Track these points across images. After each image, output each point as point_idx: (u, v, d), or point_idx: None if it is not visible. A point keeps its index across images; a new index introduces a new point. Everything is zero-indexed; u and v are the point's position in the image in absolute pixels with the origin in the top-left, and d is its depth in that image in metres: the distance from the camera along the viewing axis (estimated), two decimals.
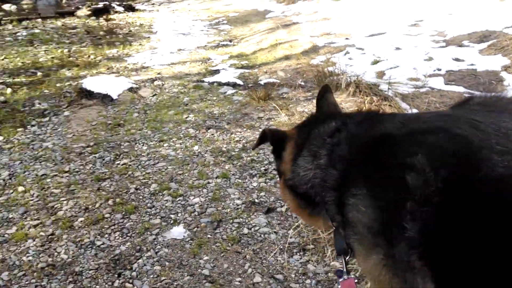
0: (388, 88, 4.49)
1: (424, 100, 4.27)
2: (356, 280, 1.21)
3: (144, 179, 3.25)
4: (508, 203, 0.76)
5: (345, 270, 1.21)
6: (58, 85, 5.68)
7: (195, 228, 2.64)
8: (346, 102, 4.46)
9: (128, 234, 2.59)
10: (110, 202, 2.92)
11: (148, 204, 2.90)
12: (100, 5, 14.21)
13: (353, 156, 1.09)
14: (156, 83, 5.80)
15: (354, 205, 0.98)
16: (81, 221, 2.72)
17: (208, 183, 3.15)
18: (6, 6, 15.80)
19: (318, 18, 9.07)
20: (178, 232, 2.60)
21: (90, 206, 2.88)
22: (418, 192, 0.83)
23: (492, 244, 0.75)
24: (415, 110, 4.10)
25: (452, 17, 7.44)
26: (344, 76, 4.79)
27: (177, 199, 2.95)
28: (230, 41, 8.60)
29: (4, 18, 11.85)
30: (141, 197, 3.00)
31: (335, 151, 1.16)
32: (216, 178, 3.22)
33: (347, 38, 7.05)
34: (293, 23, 9.11)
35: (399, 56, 5.76)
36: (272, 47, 7.37)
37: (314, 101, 4.41)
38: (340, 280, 1.22)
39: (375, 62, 5.71)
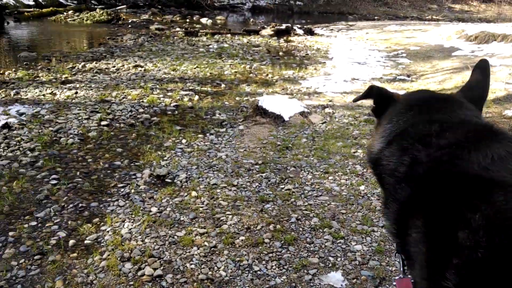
0: None
1: None
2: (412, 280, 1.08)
3: (306, 210, 3.18)
4: None
5: (401, 269, 1.18)
6: (237, 98, 6.08)
7: (355, 280, 2.44)
8: None
9: (285, 267, 2.53)
10: (271, 227, 2.92)
11: (308, 239, 2.80)
12: (283, 26, 15.04)
13: (430, 178, 0.98)
14: (326, 110, 5.77)
15: (412, 229, 0.96)
16: (242, 240, 2.76)
17: (373, 231, 2.92)
18: (204, 20, 17.92)
19: None
20: (336, 278, 2.43)
21: (252, 227, 2.91)
22: (465, 252, 0.81)
23: None
24: None
25: None
26: None
27: (338, 241, 2.79)
28: (408, 76, 8.14)
29: (201, 31, 13.41)
30: (301, 228, 2.93)
31: (420, 158, 1.03)
32: (383, 227, 2.97)
33: None
34: None
35: None
36: (457, 89, 6.69)
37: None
38: (396, 278, 1.18)
39: None
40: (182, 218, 3.00)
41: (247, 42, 12.12)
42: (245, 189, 3.48)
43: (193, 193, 3.35)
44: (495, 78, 7.07)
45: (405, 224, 1.00)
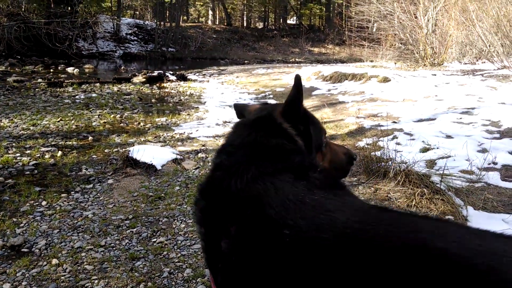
0: (441, 181, 4.25)
1: (480, 196, 3.99)
2: None
3: (178, 261, 3.12)
4: None
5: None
6: (106, 150, 5.83)
7: None
8: (394, 192, 4.25)
9: None
10: (141, 286, 2.79)
11: None
12: (155, 73, 15.06)
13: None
14: (200, 155, 5.84)
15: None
16: None
17: None
18: (70, 69, 17.10)
19: (364, 99, 9.09)
20: None
21: None
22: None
23: None
24: (470, 208, 3.82)
25: (505, 106, 7.22)
26: (392, 163, 4.62)
27: None
28: None
29: (66, 81, 12.73)
30: (173, 282, 2.85)
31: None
32: None
33: (394, 122, 6.94)
34: (339, 102, 9.16)
35: (451, 145, 5.54)
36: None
37: (360, 187, 4.18)
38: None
39: (425, 150, 5.51)
40: None
41: (118, 90, 11.83)
42: (114, 248, 3.30)
43: (54, 261, 3.06)
44: (348, 113, 7.94)
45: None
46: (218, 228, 1.06)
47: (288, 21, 46.52)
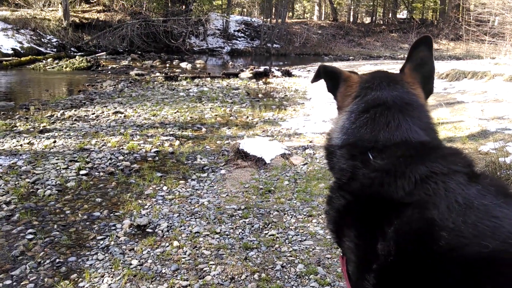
0: None
1: None
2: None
3: (290, 256, 3.13)
4: None
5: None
6: (218, 142, 6.09)
7: None
8: None
9: None
10: (256, 276, 2.85)
11: (294, 287, 2.74)
12: (261, 69, 15.38)
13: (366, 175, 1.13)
14: (307, 151, 5.81)
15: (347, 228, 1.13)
16: None
17: None
18: (183, 64, 18.21)
19: (487, 99, 8.29)
20: None
21: (236, 277, 2.84)
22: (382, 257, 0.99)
23: None
24: None
25: None
26: None
27: None
28: None
29: (180, 75, 13.59)
30: (286, 276, 2.87)
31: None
32: None
33: None
34: (457, 102, 8.48)
35: None
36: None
37: None
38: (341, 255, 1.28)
39: None
40: (163, 271, 2.91)
41: (227, 85, 12.31)
42: (228, 236, 3.42)
43: (175, 243, 3.27)
44: (468, 115, 7.30)
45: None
46: (372, 229, 1.03)
47: (398, 15, 44.34)
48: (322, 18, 43.14)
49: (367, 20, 44.07)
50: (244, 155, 5.36)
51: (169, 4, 27.45)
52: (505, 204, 0.95)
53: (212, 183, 4.59)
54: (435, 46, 33.61)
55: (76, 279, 2.83)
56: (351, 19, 42.25)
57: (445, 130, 6.52)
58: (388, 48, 32.95)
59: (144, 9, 26.24)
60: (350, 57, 26.42)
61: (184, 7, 27.62)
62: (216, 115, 7.97)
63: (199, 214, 3.80)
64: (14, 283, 2.77)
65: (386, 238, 0.98)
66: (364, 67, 18.00)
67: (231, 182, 4.61)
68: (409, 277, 0.94)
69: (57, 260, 3.04)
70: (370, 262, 1.02)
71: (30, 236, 3.34)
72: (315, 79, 1.57)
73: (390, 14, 42.67)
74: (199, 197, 4.20)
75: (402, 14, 45.77)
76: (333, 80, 1.45)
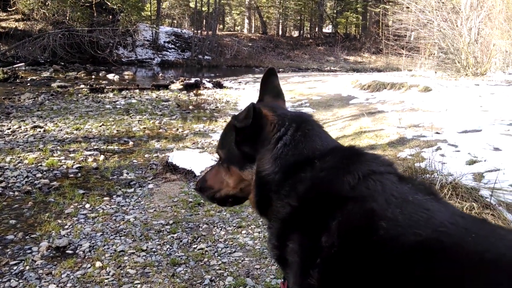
0: (491, 195, 4.05)
1: None
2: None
3: (219, 269, 3.09)
4: None
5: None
6: (146, 155, 5.92)
7: None
8: None
9: None
10: None
11: None
12: (192, 80, 15.27)
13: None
14: None
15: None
16: None
17: None
18: (110, 76, 17.59)
19: (405, 108, 8.86)
20: None
21: None
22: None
23: None
24: None
25: None
26: (438, 175, 4.44)
27: None
28: None
29: (107, 87, 13.10)
30: None
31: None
32: None
33: (437, 133, 6.71)
34: (378, 111, 8.97)
35: (499, 158, 5.29)
36: (356, 135, 7.22)
37: None
38: (280, 281, 1.38)
39: (471, 163, 5.28)
40: None
41: (156, 97, 12.06)
42: (155, 253, 3.31)
43: (98, 264, 3.10)
44: (388, 123, 7.75)
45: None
46: (317, 226, 1.11)
47: (324, 30, 46.30)
48: (252, 31, 43.94)
49: (295, 33, 45.58)
50: (173, 168, 5.25)
51: (95, 14, 26.47)
52: (434, 200, 1.08)
53: (139, 198, 4.44)
54: (358, 59, 35.54)
55: None
56: (280, 33, 43.46)
57: (367, 138, 6.87)
58: (315, 60, 34.26)
59: (67, 18, 25.04)
60: (280, 69, 27.09)
61: (111, 17, 26.78)
62: (144, 127, 7.76)
63: (124, 232, 3.64)
64: None
65: (330, 231, 1.06)
66: (293, 79, 18.54)
67: (159, 197, 4.48)
68: (351, 267, 1.01)
69: None
70: (315, 257, 1.08)
71: None
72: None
73: (317, 29, 44.46)
74: (125, 213, 4.03)
75: (328, 29, 47.91)
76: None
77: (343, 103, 10.77)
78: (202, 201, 4.38)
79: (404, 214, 1.02)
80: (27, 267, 3.05)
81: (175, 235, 3.61)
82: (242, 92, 14.15)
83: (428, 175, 4.66)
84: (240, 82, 17.47)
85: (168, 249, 3.37)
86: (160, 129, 7.70)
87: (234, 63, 30.69)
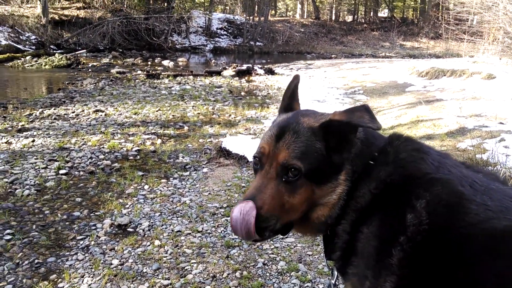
0: None
1: None
2: None
3: (272, 253, 3.15)
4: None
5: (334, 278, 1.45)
6: (200, 140, 6.07)
7: None
8: None
9: None
10: (237, 274, 2.86)
11: (275, 284, 2.76)
12: (244, 67, 15.36)
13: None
14: None
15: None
16: None
17: None
18: (165, 62, 18.05)
19: (466, 97, 8.44)
20: None
21: (218, 275, 2.84)
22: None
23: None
24: None
25: None
26: (501, 167, 4.23)
27: (305, 285, 2.76)
28: None
29: (163, 73, 13.48)
30: (268, 274, 2.88)
31: None
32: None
33: (501, 123, 6.35)
34: (436, 100, 8.62)
35: None
36: (413, 124, 6.99)
37: None
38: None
39: None
40: (145, 270, 2.90)
41: (209, 83, 12.26)
42: (210, 234, 3.42)
43: (156, 242, 3.26)
44: (446, 112, 7.43)
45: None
46: (400, 206, 1.13)
47: (379, 14, 44.77)
48: (305, 16, 43.29)
49: (349, 18, 44.42)
50: (226, 154, 5.36)
51: (151, 2, 27.18)
52: (509, 189, 1.14)
53: (194, 181, 4.58)
54: (415, 44, 34.10)
55: (55, 280, 2.79)
56: (333, 18, 42.52)
57: (424, 128, 6.63)
58: (369, 46, 33.27)
59: (125, 6, 25.91)
60: (332, 55, 26.59)
61: (166, 4, 27.38)
62: (198, 113, 7.94)
63: (181, 213, 3.79)
64: None
65: (416, 210, 1.09)
66: (346, 65, 18.17)
67: (213, 181, 4.60)
68: (440, 243, 1.04)
69: (36, 260, 3.00)
70: (397, 236, 1.09)
71: (8, 237, 3.28)
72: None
73: (372, 13, 43.09)
74: (181, 195, 4.18)
75: (383, 13, 46.27)
76: None
77: (398, 90, 10.43)
78: None
79: (493, 201, 1.06)
80: (92, 242, 3.26)
81: (229, 218, 3.70)
82: None
83: (490, 167, 4.45)
84: (291, 69, 17.35)
85: (222, 232, 3.47)
86: (213, 115, 7.85)
87: (286, 49, 30.47)
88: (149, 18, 25.07)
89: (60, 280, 2.80)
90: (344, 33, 37.23)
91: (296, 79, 1.56)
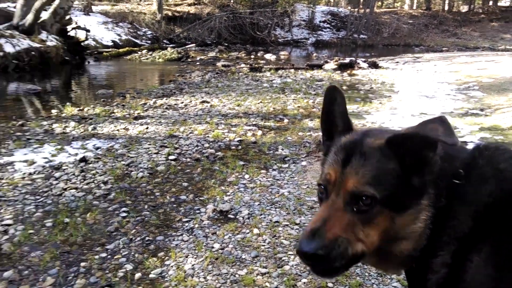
0: None
1: None
2: None
3: None
4: None
5: None
6: (300, 133, 6.08)
7: None
8: None
9: None
10: None
11: (374, 286, 2.67)
12: (346, 60, 15.02)
13: None
14: None
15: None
16: (305, 283, 2.69)
17: None
18: (268, 56, 18.39)
19: None
20: None
21: None
22: None
23: None
24: None
25: None
26: None
27: None
28: (482, 110, 7.71)
29: (265, 66, 13.75)
30: (367, 273, 2.80)
31: None
32: None
33: None
34: None
35: None
36: None
37: None
38: None
39: None
40: (243, 256, 3.00)
41: (310, 76, 12.20)
42: None
43: (255, 231, 3.34)
44: None
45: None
46: None
47: (499, 3, 40.59)
48: (414, 7, 40.88)
49: (464, 8, 40.91)
50: None
51: None
52: None
53: (293, 174, 4.60)
54: None
55: (163, 257, 3.02)
56: (446, 8, 39.54)
57: None
58: (487, 38, 30.38)
59: (232, 1, 26.87)
60: (444, 48, 24.78)
61: None
62: (298, 106, 7.96)
63: (279, 204, 3.84)
64: (109, 256, 3.03)
65: None
66: (459, 59, 16.80)
67: (312, 174, 4.58)
68: None
69: (147, 238, 3.27)
70: None
71: (124, 214, 3.62)
72: None
73: (491, 2, 39.21)
74: (280, 187, 4.23)
75: (505, 2, 41.80)
76: None
77: None
78: None
79: None
80: (196, 225, 3.46)
81: None
82: (400, 73, 13.39)
83: None
84: (397, 62, 16.52)
85: None
86: (314, 108, 7.81)
87: (392, 41, 29.15)
88: (254, 13, 25.70)
89: (167, 258, 3.01)
90: (457, 24, 34.51)
91: (333, 92, 1.35)
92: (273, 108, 7.75)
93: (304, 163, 4.94)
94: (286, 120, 6.84)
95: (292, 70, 13.41)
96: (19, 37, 12.29)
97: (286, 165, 4.86)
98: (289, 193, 4.07)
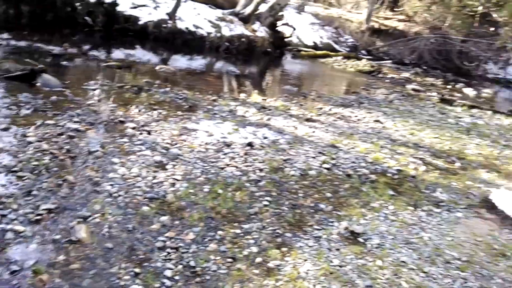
0: None
1: None
2: None
3: None
4: None
5: None
6: (468, 182, 5.58)
7: None
8: None
9: None
10: None
11: None
12: None
13: None
14: None
15: None
16: None
17: None
18: (467, 90, 16.86)
19: None
20: None
21: None
22: None
23: None
24: None
25: None
26: None
27: None
28: None
29: (458, 101, 12.72)
30: None
31: None
32: None
33: None
34: None
35: None
36: None
37: None
38: None
39: None
40: (357, 281, 3.04)
41: (508, 124, 10.83)
42: (435, 280, 3.24)
43: (378, 262, 3.33)
44: None
45: None
46: None
47: None
48: None
49: None
50: (491, 206, 4.79)
51: (475, 24, 25.48)
52: None
53: (442, 221, 4.33)
54: None
55: (285, 253, 3.28)
56: None
57: None
58: None
59: (445, 24, 25.24)
60: None
61: (492, 29, 25.15)
62: (479, 153, 7.23)
63: (413, 246, 3.70)
64: (242, 234, 3.43)
65: None
66: None
67: (462, 229, 4.24)
68: None
69: (277, 230, 3.57)
70: None
71: (266, 203, 4.00)
72: None
73: None
74: (422, 229, 4.05)
75: None
76: None
77: None
78: (509, 254, 3.86)
79: None
80: (324, 236, 3.61)
81: (463, 274, 3.39)
82: None
83: None
84: None
85: (448, 284, 3.22)
86: (496, 160, 7.00)
87: None
88: (467, 41, 23.67)
89: (288, 254, 3.26)
90: None
91: None
92: (449, 147, 7.21)
93: (459, 214, 4.58)
94: (458, 164, 6.33)
95: (489, 112, 12.06)
96: (236, 23, 14.02)
97: (438, 210, 4.58)
98: (429, 239, 3.87)
